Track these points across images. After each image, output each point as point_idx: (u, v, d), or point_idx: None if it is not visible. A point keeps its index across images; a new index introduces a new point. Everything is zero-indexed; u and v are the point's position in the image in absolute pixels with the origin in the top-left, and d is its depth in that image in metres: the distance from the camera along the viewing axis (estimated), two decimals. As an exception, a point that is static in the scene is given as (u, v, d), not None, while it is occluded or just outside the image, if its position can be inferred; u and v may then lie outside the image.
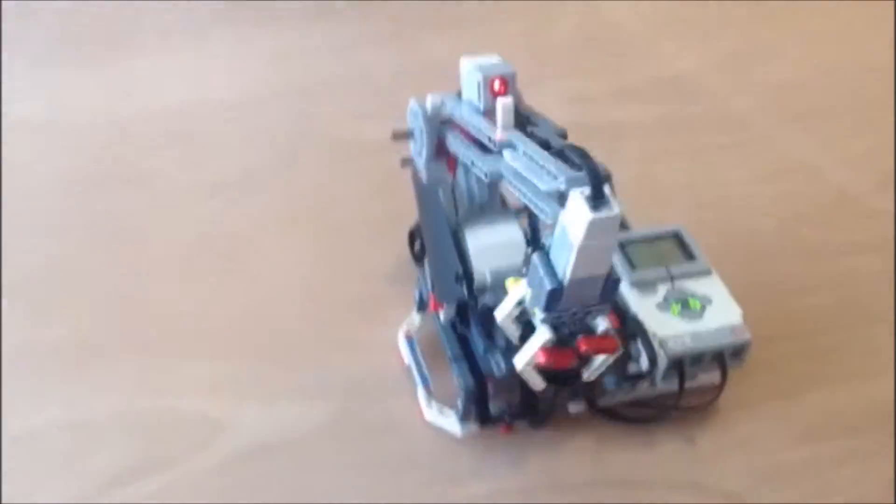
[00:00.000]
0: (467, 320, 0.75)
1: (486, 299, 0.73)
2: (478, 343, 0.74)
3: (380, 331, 0.83)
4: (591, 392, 0.77)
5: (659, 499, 0.73)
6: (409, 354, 0.80)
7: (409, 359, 0.80)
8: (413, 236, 0.86)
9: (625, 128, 1.07)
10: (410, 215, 0.80)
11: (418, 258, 0.84)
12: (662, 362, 0.75)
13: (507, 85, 0.68)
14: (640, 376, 0.76)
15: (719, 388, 0.77)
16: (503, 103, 0.66)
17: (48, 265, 0.90)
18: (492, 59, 0.69)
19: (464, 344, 0.76)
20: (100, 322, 0.84)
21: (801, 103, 1.16)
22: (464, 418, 0.75)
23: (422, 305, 0.81)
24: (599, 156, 0.60)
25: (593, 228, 0.57)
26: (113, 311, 0.85)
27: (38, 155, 1.03)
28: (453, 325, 0.77)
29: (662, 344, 0.75)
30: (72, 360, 0.81)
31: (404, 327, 0.82)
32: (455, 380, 0.75)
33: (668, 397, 0.77)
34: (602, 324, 0.64)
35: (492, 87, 0.68)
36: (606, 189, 0.58)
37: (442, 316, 0.76)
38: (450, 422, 0.76)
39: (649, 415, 0.78)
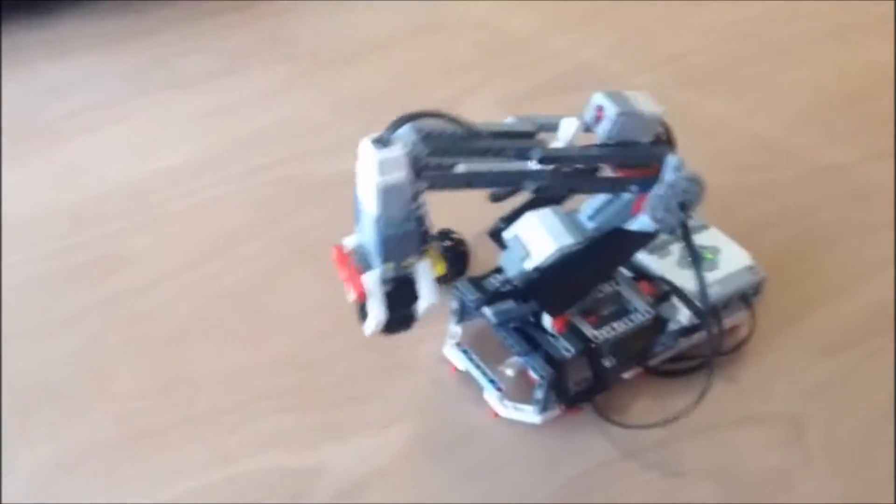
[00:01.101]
0: (535, 316, 0.80)
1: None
2: (540, 334, 0.80)
3: (416, 349, 0.86)
4: (642, 356, 0.84)
5: (731, 439, 0.81)
6: (466, 362, 0.83)
7: (466, 365, 0.83)
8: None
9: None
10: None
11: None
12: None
13: None
14: (685, 331, 0.83)
15: (751, 324, 0.84)
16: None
17: (68, 363, 0.88)
18: None
19: (524, 338, 0.80)
20: (146, 405, 0.84)
21: (696, 71, 1.26)
22: (545, 407, 0.79)
23: (462, 316, 0.85)
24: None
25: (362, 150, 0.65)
26: (156, 391, 0.85)
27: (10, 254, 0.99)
28: (507, 324, 0.81)
29: (695, 297, 0.82)
30: (131, 450, 0.80)
31: (449, 339, 0.85)
32: (532, 371, 0.79)
33: (699, 347, 0.84)
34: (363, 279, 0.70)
35: None
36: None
37: (495, 317, 0.80)
38: (526, 413, 0.80)
39: (696, 365, 0.84)
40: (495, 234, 0.83)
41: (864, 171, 1.07)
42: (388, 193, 0.66)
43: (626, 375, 0.83)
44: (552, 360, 0.78)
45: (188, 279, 0.94)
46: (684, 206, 0.74)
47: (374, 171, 0.65)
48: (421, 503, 0.76)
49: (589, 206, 0.77)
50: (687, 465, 0.79)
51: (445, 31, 1.23)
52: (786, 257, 0.95)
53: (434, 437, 0.80)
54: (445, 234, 0.91)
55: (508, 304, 0.80)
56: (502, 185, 0.75)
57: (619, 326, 0.81)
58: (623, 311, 0.82)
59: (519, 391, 0.81)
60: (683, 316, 0.83)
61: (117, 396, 0.84)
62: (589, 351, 0.79)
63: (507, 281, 0.80)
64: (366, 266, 0.70)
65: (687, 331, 0.84)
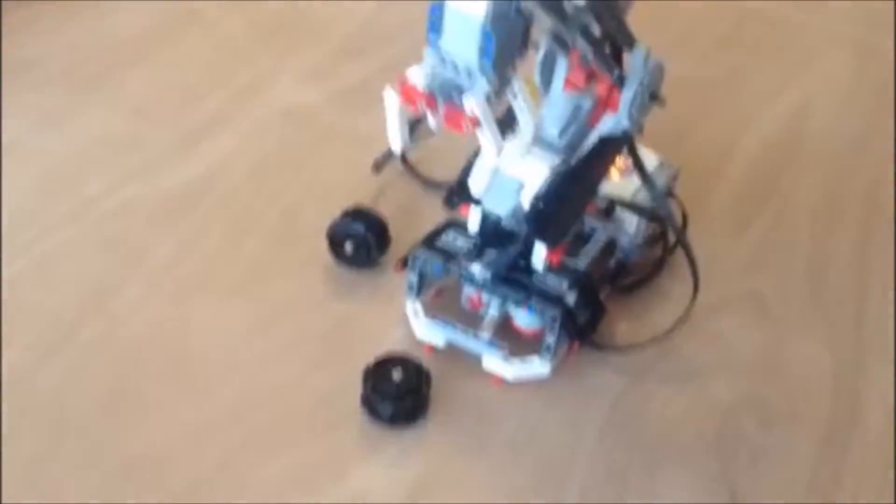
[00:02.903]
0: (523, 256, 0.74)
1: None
2: (526, 277, 0.74)
3: (380, 345, 0.76)
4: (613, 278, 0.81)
5: (713, 330, 0.81)
6: (451, 334, 0.76)
7: (451, 338, 0.76)
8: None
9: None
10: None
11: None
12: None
13: None
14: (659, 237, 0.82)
15: (684, 214, 0.84)
16: None
17: None
18: None
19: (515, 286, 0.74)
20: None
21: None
22: (556, 353, 0.74)
23: (421, 288, 0.77)
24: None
25: None
26: (116, 475, 0.69)
27: None
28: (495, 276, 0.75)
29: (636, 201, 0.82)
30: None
31: (415, 319, 0.77)
32: (539, 317, 0.74)
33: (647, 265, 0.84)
34: (468, 104, 0.63)
35: None
36: None
37: (482, 272, 0.73)
38: (534, 367, 0.75)
39: (656, 269, 0.83)
40: (456, 193, 0.76)
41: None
42: None
43: (602, 296, 0.79)
44: (555, 299, 0.73)
45: (72, 352, 0.77)
46: (654, 97, 0.72)
47: None
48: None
49: (553, 124, 0.72)
50: (693, 367, 0.78)
51: (208, 18, 1.11)
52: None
53: (452, 427, 0.73)
54: (360, 213, 0.82)
55: (491, 254, 0.74)
56: None
57: (591, 250, 0.78)
58: (583, 235, 0.79)
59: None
60: (630, 225, 0.82)
61: None
62: (581, 281, 0.75)
63: (486, 228, 0.73)
64: (447, 97, 0.62)
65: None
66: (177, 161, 0.92)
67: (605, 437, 0.73)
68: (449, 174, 0.86)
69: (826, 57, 1.13)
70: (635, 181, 0.83)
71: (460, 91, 0.63)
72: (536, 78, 0.72)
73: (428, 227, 0.81)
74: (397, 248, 0.83)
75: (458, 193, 0.74)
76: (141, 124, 0.96)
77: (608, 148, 0.72)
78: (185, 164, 0.92)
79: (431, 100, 0.63)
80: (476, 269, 0.73)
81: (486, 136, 0.63)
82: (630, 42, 0.71)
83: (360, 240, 0.81)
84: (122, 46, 1.05)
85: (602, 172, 0.74)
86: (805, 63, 1.12)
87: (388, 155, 0.89)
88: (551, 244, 0.72)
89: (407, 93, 0.64)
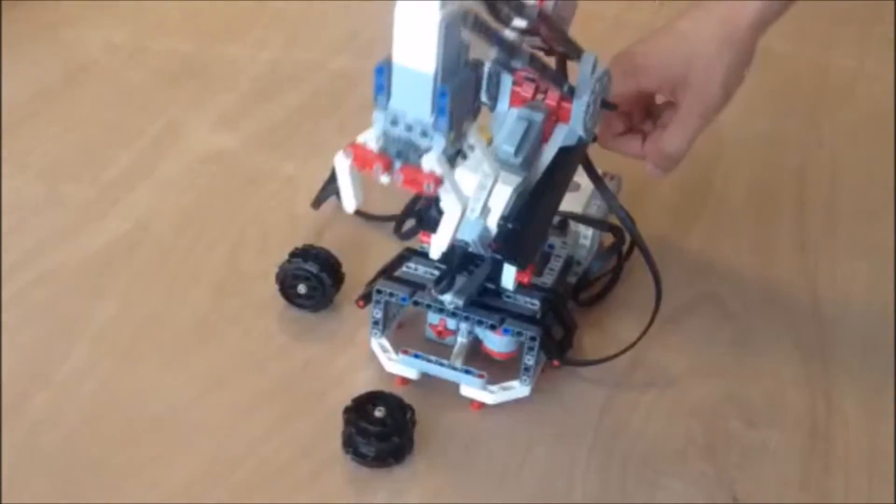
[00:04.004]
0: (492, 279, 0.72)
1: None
2: (496, 299, 0.73)
3: (352, 387, 0.72)
4: (575, 292, 0.80)
5: (681, 331, 0.81)
6: (423, 365, 0.73)
7: (424, 370, 0.73)
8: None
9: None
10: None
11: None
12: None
13: None
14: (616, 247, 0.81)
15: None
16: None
17: None
18: None
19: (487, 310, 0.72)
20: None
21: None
22: (530, 374, 0.72)
23: (386, 322, 0.75)
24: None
25: None
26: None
27: None
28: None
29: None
30: None
31: (383, 354, 0.74)
32: (513, 339, 0.72)
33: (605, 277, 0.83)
34: (427, 164, 0.60)
35: None
36: None
37: (454, 300, 0.71)
38: (514, 392, 0.73)
39: (615, 278, 0.82)
40: (411, 225, 0.73)
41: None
42: (449, 29, 0.55)
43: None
44: (530, 319, 0.71)
45: (21, 429, 0.70)
46: (605, 104, 0.72)
47: (433, 2, 0.54)
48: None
49: (507, 143, 0.70)
50: (669, 373, 0.77)
51: (107, 70, 1.06)
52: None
53: (441, 460, 0.70)
54: (310, 252, 0.78)
55: (460, 280, 0.71)
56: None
57: (554, 267, 0.77)
58: (543, 253, 0.78)
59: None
60: (586, 238, 0.81)
61: None
62: (550, 298, 0.73)
63: (452, 254, 0.71)
64: (403, 158, 0.59)
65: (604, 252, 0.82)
66: (98, 220, 0.87)
67: (596, 451, 0.71)
68: (387, 205, 0.84)
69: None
70: (583, 194, 0.82)
71: (416, 150, 0.60)
72: (483, 96, 0.71)
73: (377, 259, 0.79)
74: (351, 285, 0.80)
75: (418, 222, 0.71)
76: (52, 186, 0.90)
77: (567, 160, 0.71)
78: (108, 222, 0.87)
79: (387, 161, 0.60)
80: (447, 297, 0.71)
81: (449, 194, 0.60)
82: (577, 52, 0.71)
83: (314, 280, 0.78)
84: (19, 108, 0.99)
85: (564, 185, 0.73)
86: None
87: (328, 191, 0.86)
88: (522, 264, 0.70)
89: (360, 156, 0.60)
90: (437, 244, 0.62)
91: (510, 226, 0.67)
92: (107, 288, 0.81)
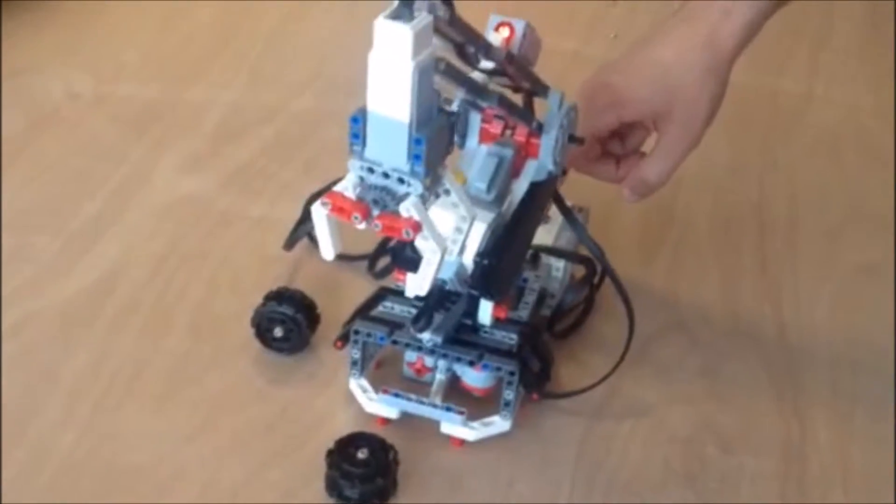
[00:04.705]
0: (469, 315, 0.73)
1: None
2: (472, 335, 0.74)
3: (333, 428, 0.73)
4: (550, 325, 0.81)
5: (652, 359, 0.82)
6: (404, 404, 0.73)
7: (405, 408, 0.73)
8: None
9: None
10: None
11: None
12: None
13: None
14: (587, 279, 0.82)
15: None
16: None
17: None
18: None
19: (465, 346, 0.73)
20: None
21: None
22: (510, 409, 0.73)
23: (364, 363, 0.75)
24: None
25: (382, 33, 0.55)
26: None
27: None
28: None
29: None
30: None
31: (363, 395, 0.74)
32: (492, 374, 0.73)
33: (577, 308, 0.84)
34: (405, 210, 0.60)
35: None
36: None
37: (433, 338, 0.72)
38: (496, 425, 0.73)
39: (586, 309, 0.83)
40: (385, 264, 0.74)
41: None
42: (422, 77, 0.55)
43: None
44: (509, 353, 0.72)
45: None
46: (573, 139, 0.73)
47: (406, 51, 0.54)
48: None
49: (479, 180, 0.71)
50: (644, 403, 0.79)
51: (67, 119, 1.06)
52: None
53: (426, 500, 0.70)
54: (285, 294, 0.79)
55: (437, 317, 0.72)
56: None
57: (529, 300, 0.78)
58: (517, 287, 0.79)
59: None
60: (558, 271, 0.82)
61: None
62: (527, 332, 0.74)
63: (429, 293, 0.71)
64: (380, 205, 0.59)
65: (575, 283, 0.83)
66: (67, 270, 0.87)
67: (579, 482, 0.72)
68: (358, 244, 0.84)
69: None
70: (553, 227, 0.84)
71: (394, 197, 0.60)
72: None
73: (351, 299, 0.80)
74: (326, 325, 0.80)
75: (393, 260, 0.72)
76: (17, 237, 0.89)
77: (538, 194, 0.72)
78: (78, 272, 0.86)
79: (364, 209, 0.61)
80: (426, 335, 0.72)
81: (428, 239, 0.61)
82: (544, 89, 0.72)
83: (290, 322, 0.78)
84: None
85: (537, 219, 0.74)
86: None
87: (299, 232, 0.87)
88: (499, 299, 0.71)
89: (338, 206, 0.60)
90: (418, 287, 0.63)
91: (486, 262, 0.68)
92: (79, 338, 0.81)
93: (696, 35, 0.74)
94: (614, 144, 0.80)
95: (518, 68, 0.70)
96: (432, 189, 0.61)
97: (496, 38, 0.71)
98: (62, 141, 1.02)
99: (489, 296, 0.70)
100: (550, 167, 0.72)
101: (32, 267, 0.87)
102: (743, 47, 0.74)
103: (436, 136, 0.59)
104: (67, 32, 1.18)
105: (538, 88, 0.72)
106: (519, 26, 0.71)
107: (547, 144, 0.71)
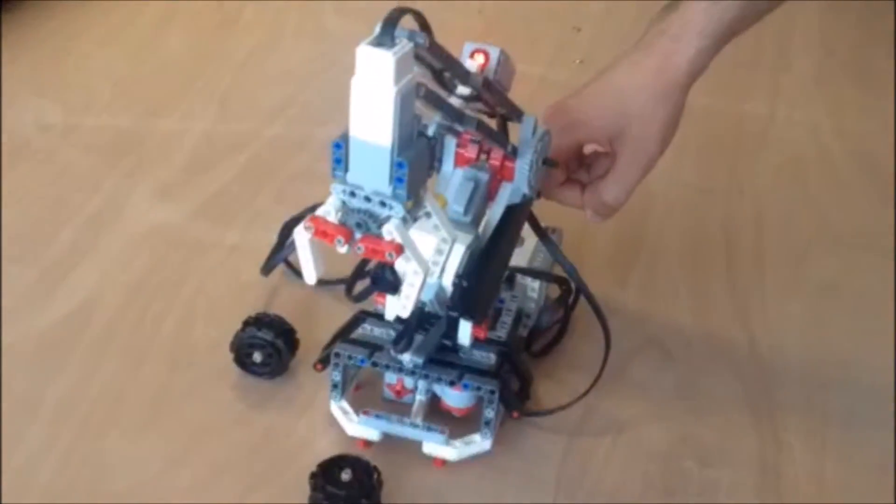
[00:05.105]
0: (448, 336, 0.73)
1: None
2: (451, 355, 0.75)
3: (313, 455, 0.73)
4: (527, 344, 0.83)
5: (627, 376, 0.83)
6: (386, 425, 0.74)
7: (387, 430, 0.74)
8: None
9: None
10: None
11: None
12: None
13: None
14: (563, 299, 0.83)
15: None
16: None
17: None
18: None
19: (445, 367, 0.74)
20: None
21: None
22: (490, 427, 0.74)
23: (345, 386, 0.75)
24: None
25: (364, 59, 0.57)
26: None
27: None
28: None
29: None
30: None
31: (344, 417, 0.75)
32: (472, 394, 0.74)
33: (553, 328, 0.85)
34: (387, 233, 0.62)
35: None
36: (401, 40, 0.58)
37: (413, 359, 0.72)
38: (476, 446, 0.74)
39: (561, 328, 0.85)
40: (363, 287, 0.75)
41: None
42: (404, 103, 0.57)
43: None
44: (488, 373, 0.73)
45: None
46: (546, 162, 0.74)
47: (388, 77, 0.56)
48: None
49: (456, 203, 0.72)
50: (621, 419, 0.79)
51: (39, 151, 1.06)
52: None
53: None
54: (263, 320, 0.79)
55: (417, 339, 0.73)
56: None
57: (506, 320, 0.79)
58: (495, 307, 0.79)
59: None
60: (533, 291, 0.83)
61: None
62: (506, 352, 0.75)
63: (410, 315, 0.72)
64: (363, 229, 0.61)
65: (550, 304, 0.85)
66: (42, 300, 0.86)
67: (561, 498, 0.73)
68: (332, 268, 0.84)
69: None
70: (528, 248, 0.85)
71: (376, 220, 0.62)
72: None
73: (328, 322, 0.81)
74: (305, 350, 0.81)
75: (373, 283, 0.72)
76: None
77: (514, 216, 0.73)
78: (53, 302, 0.86)
79: (347, 233, 0.62)
80: (406, 358, 0.72)
81: (411, 261, 0.62)
82: (518, 115, 0.73)
83: (269, 347, 0.78)
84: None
85: (513, 241, 0.75)
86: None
87: (276, 258, 0.87)
88: (478, 320, 0.72)
89: (321, 230, 0.62)
90: (400, 309, 0.63)
91: (465, 283, 0.69)
92: (57, 367, 0.80)
93: (648, 62, 0.76)
94: (581, 174, 0.82)
95: (494, 94, 0.71)
96: (413, 212, 0.63)
97: (472, 64, 0.73)
98: (35, 172, 1.02)
99: (469, 317, 0.71)
100: (525, 190, 0.73)
101: (9, 297, 0.86)
102: (697, 74, 0.76)
103: (417, 160, 0.61)
104: (37, 63, 1.19)
105: (513, 113, 0.73)
106: (494, 53, 0.73)
107: (522, 168, 0.72)
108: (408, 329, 0.72)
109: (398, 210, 0.61)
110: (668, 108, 0.75)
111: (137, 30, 1.28)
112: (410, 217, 0.63)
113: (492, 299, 0.74)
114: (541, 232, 0.77)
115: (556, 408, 0.78)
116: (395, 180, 0.60)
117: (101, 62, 1.21)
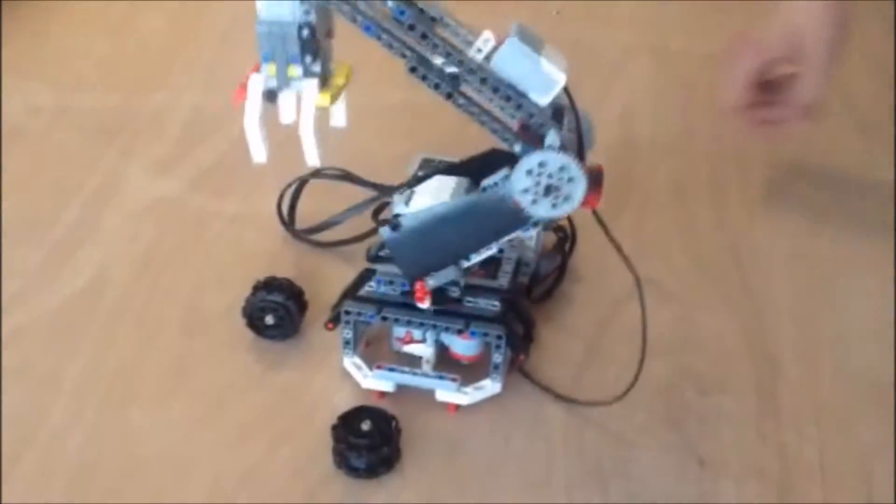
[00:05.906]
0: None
1: None
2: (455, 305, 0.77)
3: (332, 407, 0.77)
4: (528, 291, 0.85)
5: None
6: (399, 376, 0.77)
7: (401, 380, 0.77)
8: None
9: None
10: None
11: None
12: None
13: None
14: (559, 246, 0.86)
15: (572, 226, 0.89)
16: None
17: None
18: None
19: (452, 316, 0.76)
20: None
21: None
22: (499, 371, 0.77)
23: (356, 342, 0.78)
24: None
25: None
26: None
27: None
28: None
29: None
30: None
31: (359, 372, 0.78)
32: (480, 341, 0.77)
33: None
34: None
35: None
36: None
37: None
38: (487, 390, 0.77)
39: (559, 274, 0.88)
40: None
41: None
42: None
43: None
44: (494, 320, 0.76)
45: (14, 492, 0.72)
46: (549, 189, 0.72)
47: None
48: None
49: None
50: (623, 355, 0.81)
51: (32, 133, 1.07)
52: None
53: (429, 465, 0.74)
54: (273, 284, 0.81)
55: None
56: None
57: (507, 269, 0.81)
58: (495, 257, 0.82)
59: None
60: (531, 240, 0.86)
61: None
62: (509, 299, 0.78)
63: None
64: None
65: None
66: (52, 279, 0.89)
67: (570, 434, 0.76)
68: (332, 232, 0.88)
69: (629, 67, 1.20)
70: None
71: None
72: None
73: (332, 283, 0.83)
74: (314, 311, 0.83)
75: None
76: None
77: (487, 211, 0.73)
78: (63, 280, 0.89)
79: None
80: (423, 307, 0.75)
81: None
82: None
83: (281, 309, 0.81)
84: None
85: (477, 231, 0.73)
86: (613, 76, 1.18)
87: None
88: (407, 274, 0.74)
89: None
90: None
91: (397, 227, 0.72)
92: (74, 343, 0.83)
93: None
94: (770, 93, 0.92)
95: None
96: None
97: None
98: (31, 155, 1.04)
99: (399, 266, 0.74)
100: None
101: (19, 279, 0.89)
102: None
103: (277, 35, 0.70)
104: (19, 47, 1.19)
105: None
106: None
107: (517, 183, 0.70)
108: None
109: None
110: (833, 28, 0.88)
111: (114, 8, 1.28)
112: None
113: (429, 265, 0.74)
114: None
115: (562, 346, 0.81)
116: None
117: (82, 42, 1.22)
